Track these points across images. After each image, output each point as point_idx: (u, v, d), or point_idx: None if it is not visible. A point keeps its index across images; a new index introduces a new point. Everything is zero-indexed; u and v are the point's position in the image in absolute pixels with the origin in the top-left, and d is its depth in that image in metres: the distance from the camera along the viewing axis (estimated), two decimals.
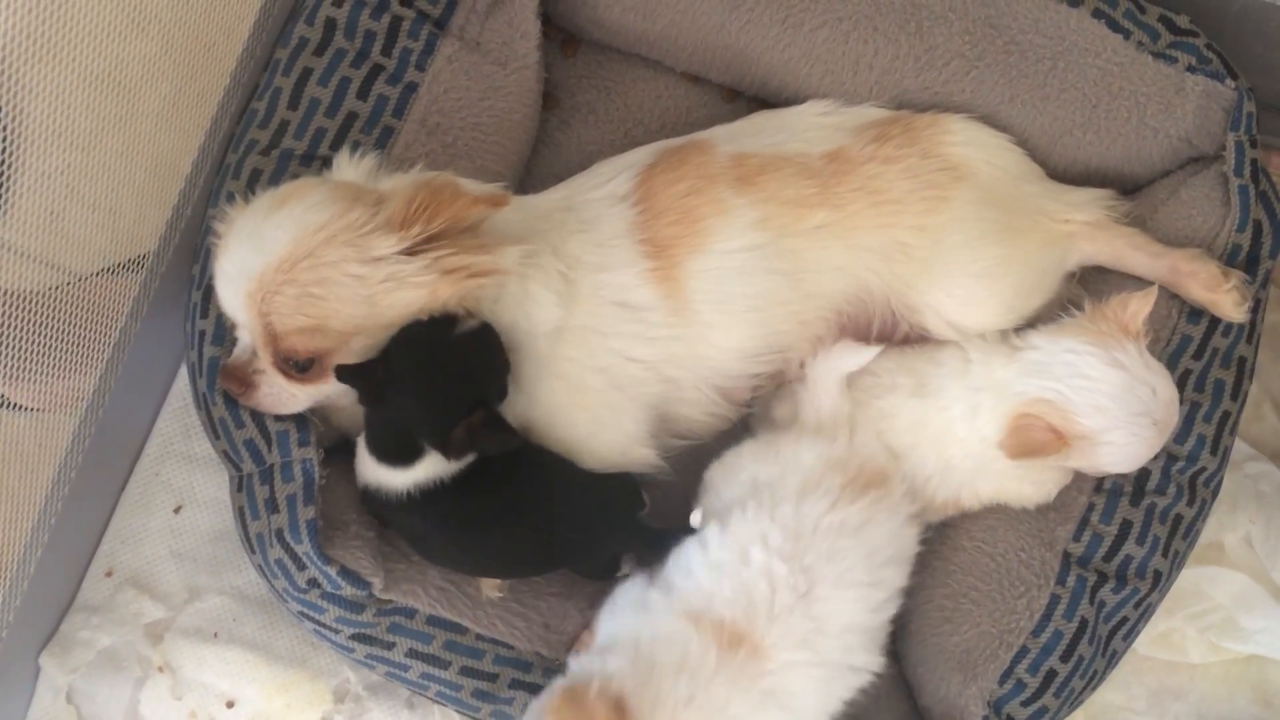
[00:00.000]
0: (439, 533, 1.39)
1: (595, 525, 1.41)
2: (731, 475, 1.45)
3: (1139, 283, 1.55)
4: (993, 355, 1.45)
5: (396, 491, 1.35)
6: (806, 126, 1.54)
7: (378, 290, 1.28)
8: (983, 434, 1.44)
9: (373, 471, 1.37)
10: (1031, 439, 1.38)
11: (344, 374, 1.30)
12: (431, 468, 1.34)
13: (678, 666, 1.24)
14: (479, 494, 1.35)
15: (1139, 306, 1.40)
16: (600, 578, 1.50)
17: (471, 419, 1.31)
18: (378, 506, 1.39)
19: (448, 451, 1.32)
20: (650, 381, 1.45)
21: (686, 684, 1.23)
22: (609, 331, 1.42)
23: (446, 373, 1.31)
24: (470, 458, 1.35)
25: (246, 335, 1.35)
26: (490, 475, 1.36)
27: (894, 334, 1.55)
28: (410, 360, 1.30)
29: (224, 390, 1.41)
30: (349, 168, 1.41)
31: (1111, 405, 1.36)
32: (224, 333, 1.45)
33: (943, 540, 1.52)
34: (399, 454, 1.34)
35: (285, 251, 1.27)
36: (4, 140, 1.25)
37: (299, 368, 1.31)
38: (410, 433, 1.32)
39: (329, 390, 1.35)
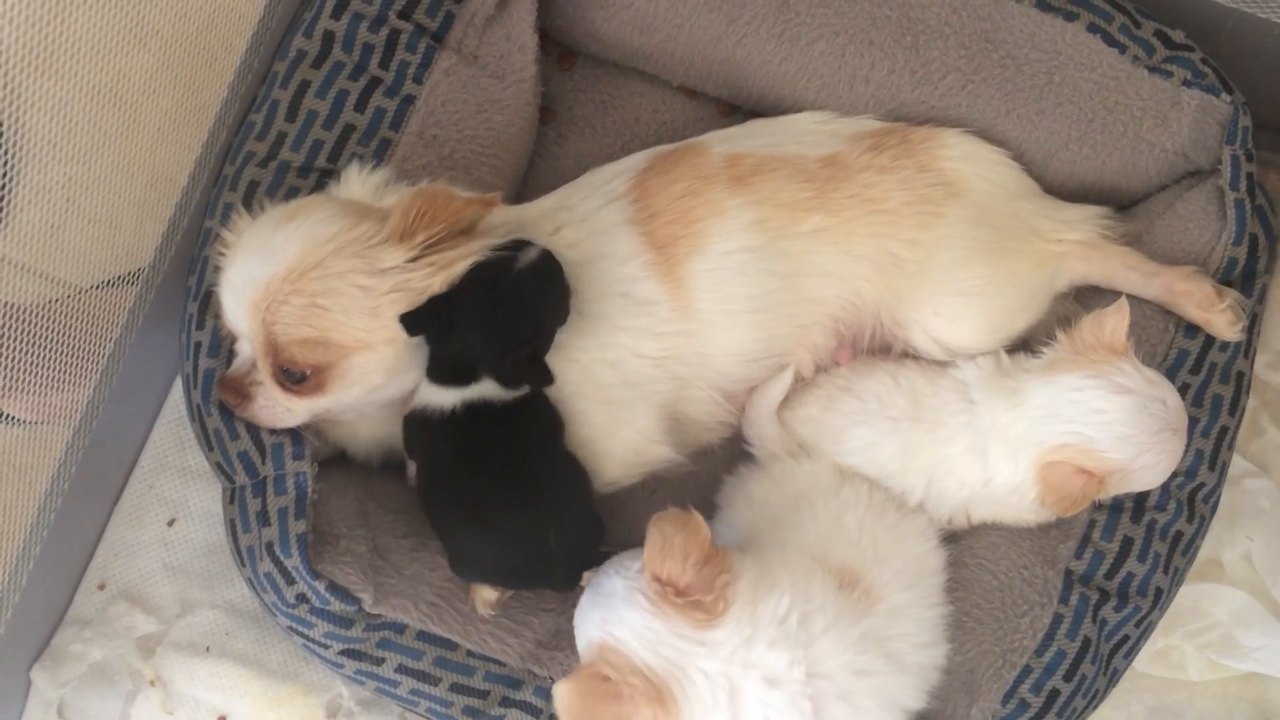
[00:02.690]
0: (453, 470, 1.40)
1: (566, 532, 1.41)
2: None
3: (1134, 301, 1.54)
4: (994, 395, 1.44)
5: (443, 409, 1.37)
6: (803, 131, 1.55)
7: (383, 302, 1.29)
8: (994, 478, 1.44)
9: (425, 391, 1.39)
10: (1070, 489, 1.37)
11: (411, 320, 1.31)
12: (479, 390, 1.37)
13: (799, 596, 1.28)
14: (503, 434, 1.38)
15: (1116, 322, 1.39)
16: (564, 588, 1.49)
17: (518, 355, 1.34)
18: (419, 429, 1.40)
19: (505, 380, 1.36)
20: (660, 380, 1.46)
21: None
22: (620, 324, 1.43)
23: (505, 310, 1.35)
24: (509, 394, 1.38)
25: (247, 346, 1.36)
26: (517, 430, 1.38)
27: (890, 348, 1.55)
28: (474, 300, 1.33)
29: (220, 401, 1.42)
30: (356, 182, 1.42)
31: (1133, 431, 1.36)
32: (220, 344, 1.45)
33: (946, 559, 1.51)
34: (455, 378, 1.37)
35: (293, 262, 1.28)
36: (4, 154, 1.25)
37: (295, 379, 1.32)
38: (470, 364, 1.36)
39: (325, 404, 1.36)
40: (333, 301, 1.27)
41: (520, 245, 1.37)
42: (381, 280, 1.29)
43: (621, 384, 1.44)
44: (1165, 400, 1.38)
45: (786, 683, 1.22)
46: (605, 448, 1.45)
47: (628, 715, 1.20)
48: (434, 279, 1.31)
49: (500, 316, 1.35)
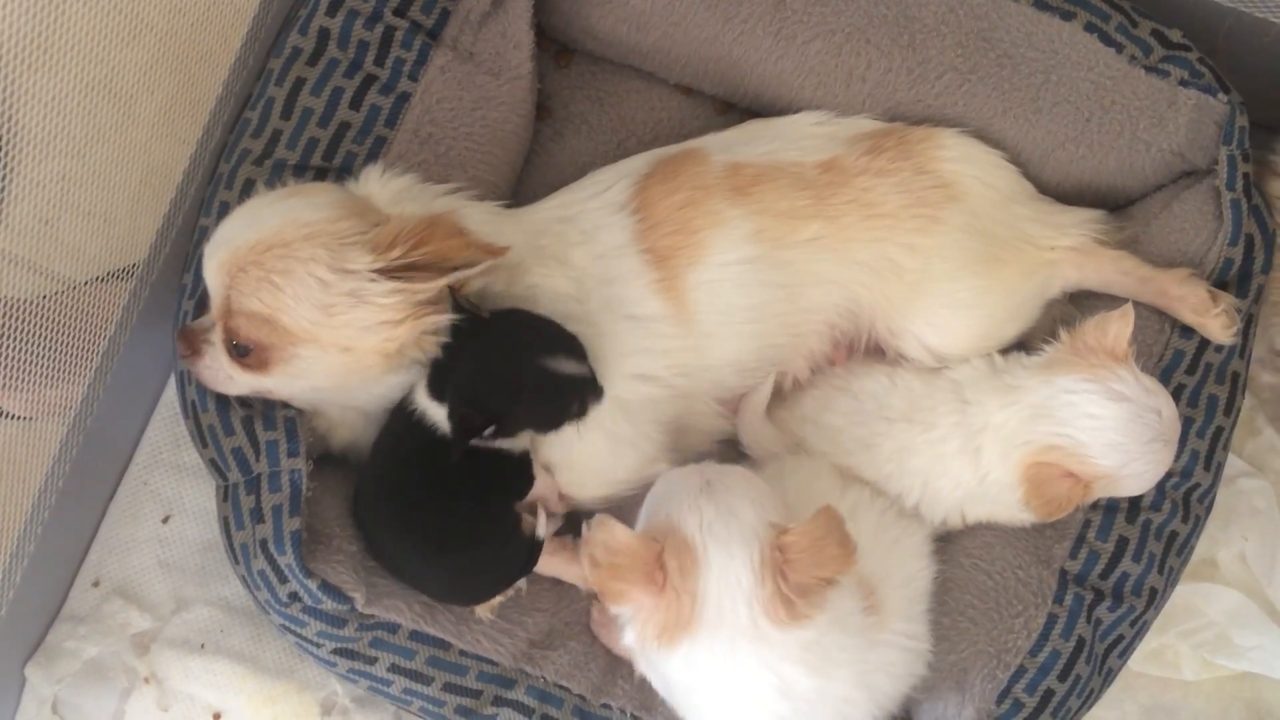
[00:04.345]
0: (382, 462, 1.42)
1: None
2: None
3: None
4: (987, 394, 1.44)
5: (411, 402, 1.36)
6: (801, 135, 1.55)
7: (337, 301, 1.27)
8: (987, 476, 1.44)
9: (419, 385, 1.37)
10: (1055, 492, 1.37)
11: (458, 301, 1.30)
12: (433, 411, 1.35)
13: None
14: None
15: (1120, 328, 1.39)
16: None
17: (472, 417, 1.30)
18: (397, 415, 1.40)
19: (450, 420, 1.32)
20: (663, 400, 1.46)
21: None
22: (627, 349, 1.43)
23: (505, 367, 1.32)
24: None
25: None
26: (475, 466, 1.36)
27: (883, 352, 1.55)
28: (499, 333, 1.32)
29: (216, 398, 1.42)
30: (375, 183, 1.41)
31: (1124, 440, 1.35)
32: None
33: (939, 558, 1.51)
34: (433, 386, 1.34)
35: (266, 235, 1.27)
36: None
37: (240, 351, 1.31)
38: (444, 382, 1.33)
39: (268, 385, 1.35)
40: (287, 284, 1.26)
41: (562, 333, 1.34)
42: (342, 280, 1.26)
43: (624, 414, 1.43)
44: (1160, 410, 1.37)
45: (797, 699, 1.21)
46: (602, 470, 1.45)
47: (643, 600, 1.17)
48: (398, 304, 1.27)
49: (495, 369, 1.32)
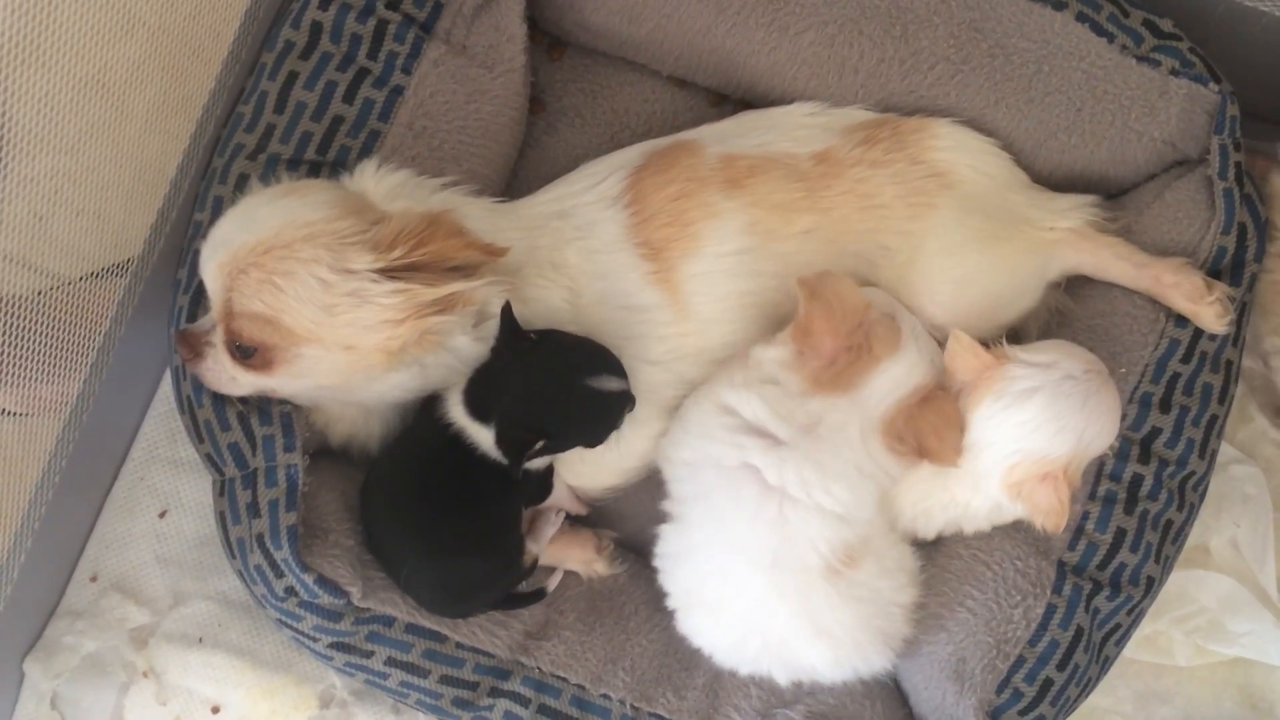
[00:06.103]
0: (397, 469, 1.43)
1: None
2: None
3: (1125, 291, 1.55)
4: None
5: (446, 415, 1.36)
6: (794, 126, 1.55)
7: (340, 301, 1.27)
8: (969, 505, 1.45)
9: (453, 400, 1.38)
10: (1047, 500, 1.36)
11: (506, 313, 1.32)
12: (476, 433, 1.35)
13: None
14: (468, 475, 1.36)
15: (964, 343, 1.38)
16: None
17: (523, 436, 1.31)
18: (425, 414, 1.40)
19: (499, 440, 1.33)
20: (667, 385, 1.46)
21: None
22: (626, 336, 1.43)
23: (553, 390, 1.33)
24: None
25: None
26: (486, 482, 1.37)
27: None
28: (543, 355, 1.33)
29: (213, 394, 1.41)
30: (370, 179, 1.41)
31: (1062, 421, 1.35)
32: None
33: (939, 549, 1.52)
34: (475, 406, 1.35)
35: (265, 236, 1.27)
36: None
37: (243, 352, 1.31)
38: (490, 403, 1.34)
39: (272, 385, 1.35)
40: (289, 285, 1.26)
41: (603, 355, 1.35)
42: (344, 280, 1.26)
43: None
44: (1071, 373, 1.36)
45: (801, 487, 1.33)
46: (612, 461, 1.46)
47: (823, 350, 1.31)
48: (400, 303, 1.27)
49: (541, 390, 1.33)
